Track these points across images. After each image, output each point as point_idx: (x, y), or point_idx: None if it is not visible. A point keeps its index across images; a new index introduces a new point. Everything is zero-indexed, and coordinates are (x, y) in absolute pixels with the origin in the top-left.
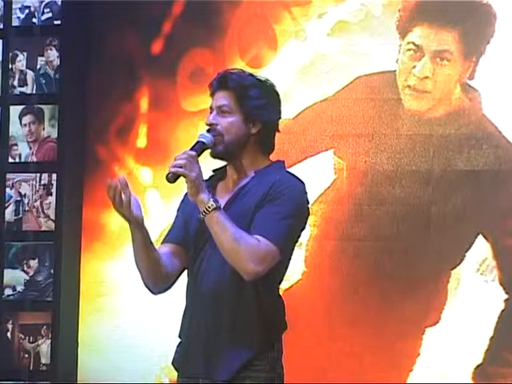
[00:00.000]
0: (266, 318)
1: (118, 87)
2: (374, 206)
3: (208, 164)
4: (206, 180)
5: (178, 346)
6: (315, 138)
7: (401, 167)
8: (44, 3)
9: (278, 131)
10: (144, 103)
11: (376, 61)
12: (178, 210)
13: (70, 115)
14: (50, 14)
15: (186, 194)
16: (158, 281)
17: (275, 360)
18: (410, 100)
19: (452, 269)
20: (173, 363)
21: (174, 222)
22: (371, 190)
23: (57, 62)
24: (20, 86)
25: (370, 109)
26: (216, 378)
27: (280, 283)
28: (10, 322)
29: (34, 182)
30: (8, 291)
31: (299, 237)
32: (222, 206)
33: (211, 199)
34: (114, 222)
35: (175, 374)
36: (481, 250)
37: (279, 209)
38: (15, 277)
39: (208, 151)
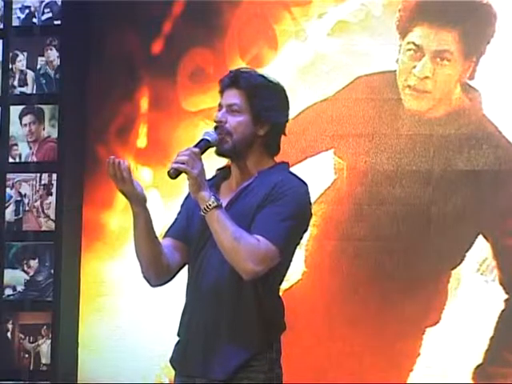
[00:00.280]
0: (265, 318)
1: (118, 87)
2: (374, 205)
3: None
4: (210, 179)
5: (176, 345)
6: (315, 138)
7: (401, 167)
8: (44, 3)
9: (285, 134)
10: (144, 103)
11: (376, 61)
12: (181, 206)
13: (70, 115)
14: (50, 14)
15: None
16: (158, 272)
17: (274, 360)
18: (410, 100)
19: (452, 269)
20: (171, 361)
21: (177, 217)
22: (371, 190)
23: (57, 62)
24: (20, 86)
25: (370, 109)
26: (213, 378)
27: (280, 284)
28: (10, 321)
29: (34, 182)
30: (8, 291)
31: (301, 238)
32: (224, 205)
33: (212, 197)
34: (114, 222)
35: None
36: (481, 250)
37: (280, 209)
38: (15, 277)
39: (213, 149)
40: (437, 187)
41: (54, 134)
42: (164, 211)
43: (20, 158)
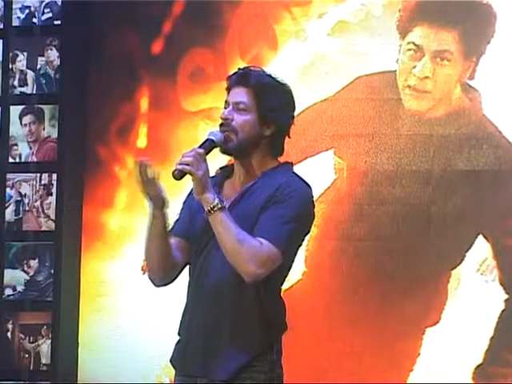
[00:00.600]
0: (266, 319)
1: (118, 87)
2: (374, 205)
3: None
4: (213, 177)
5: (176, 344)
6: (315, 138)
7: (401, 167)
8: (44, 3)
9: (289, 136)
10: (144, 103)
11: (376, 61)
12: (183, 203)
13: (70, 115)
14: (50, 14)
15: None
16: (166, 271)
17: (274, 361)
18: (411, 100)
19: (452, 269)
20: (171, 361)
21: (180, 216)
22: (371, 189)
23: (57, 62)
24: (20, 86)
25: (370, 109)
26: (214, 378)
27: (282, 284)
28: (11, 321)
29: (35, 182)
30: (8, 291)
31: (303, 240)
32: (227, 206)
33: (216, 199)
34: (114, 221)
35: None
36: (481, 250)
37: (284, 212)
38: (15, 277)
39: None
40: (437, 187)
41: (54, 134)
42: None
43: (20, 158)
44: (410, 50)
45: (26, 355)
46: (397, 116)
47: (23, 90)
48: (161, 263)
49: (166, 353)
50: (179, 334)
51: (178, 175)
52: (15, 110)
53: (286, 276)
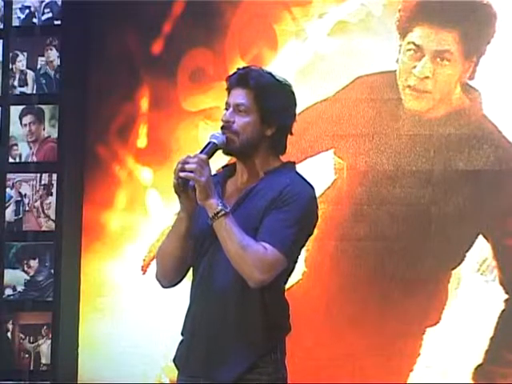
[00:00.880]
0: (270, 320)
1: (118, 87)
2: (374, 205)
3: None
4: (215, 175)
5: (179, 344)
6: (315, 138)
7: (401, 167)
8: (44, 3)
9: (291, 134)
10: (144, 103)
11: (376, 61)
12: None
13: (70, 115)
14: (50, 14)
15: None
16: (177, 274)
17: (278, 362)
18: (411, 100)
19: (452, 269)
20: (174, 360)
21: None
22: (371, 190)
23: (57, 62)
24: (20, 86)
25: (370, 109)
26: (218, 380)
27: (285, 284)
28: (11, 322)
29: (35, 182)
30: (8, 291)
31: (306, 241)
32: (230, 208)
33: (220, 204)
34: (114, 222)
35: (175, 373)
36: (481, 250)
37: (287, 216)
38: (15, 277)
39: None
40: (437, 187)
41: (54, 134)
42: (164, 211)
43: (20, 158)
44: (410, 50)
45: (26, 355)
46: (397, 116)
47: (23, 90)
48: (176, 265)
49: (166, 353)
50: (182, 334)
51: (182, 183)
52: (15, 110)
53: (289, 276)
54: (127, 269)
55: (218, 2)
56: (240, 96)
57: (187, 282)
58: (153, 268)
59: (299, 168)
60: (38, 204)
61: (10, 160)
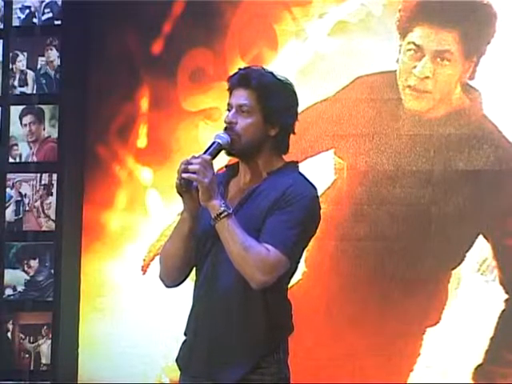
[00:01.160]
0: (273, 321)
1: (118, 87)
2: (374, 205)
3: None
4: (218, 174)
5: (182, 344)
6: (316, 138)
7: (401, 167)
8: (44, 3)
9: (294, 133)
10: (144, 103)
11: (376, 61)
12: None
13: (70, 115)
14: (50, 14)
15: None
16: (182, 273)
17: (281, 362)
18: (411, 100)
19: (452, 269)
20: (176, 360)
21: None
22: (371, 190)
23: (57, 62)
24: (20, 86)
25: (370, 109)
26: (221, 380)
27: (288, 285)
28: (11, 322)
29: (35, 182)
30: (8, 291)
31: (309, 242)
32: (233, 208)
33: (223, 206)
34: (114, 221)
35: (176, 373)
36: (481, 250)
37: (290, 217)
38: (16, 277)
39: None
40: (437, 187)
41: (54, 134)
42: (164, 211)
43: (20, 158)
44: (410, 50)
45: (27, 355)
46: (397, 116)
47: (23, 90)
48: (179, 265)
49: (166, 353)
50: (185, 334)
51: (184, 184)
52: (15, 110)
53: (291, 277)
54: (127, 269)
55: (218, 2)
56: (242, 97)
57: (188, 281)
58: (153, 268)
59: (299, 168)
60: (38, 204)
61: (10, 160)
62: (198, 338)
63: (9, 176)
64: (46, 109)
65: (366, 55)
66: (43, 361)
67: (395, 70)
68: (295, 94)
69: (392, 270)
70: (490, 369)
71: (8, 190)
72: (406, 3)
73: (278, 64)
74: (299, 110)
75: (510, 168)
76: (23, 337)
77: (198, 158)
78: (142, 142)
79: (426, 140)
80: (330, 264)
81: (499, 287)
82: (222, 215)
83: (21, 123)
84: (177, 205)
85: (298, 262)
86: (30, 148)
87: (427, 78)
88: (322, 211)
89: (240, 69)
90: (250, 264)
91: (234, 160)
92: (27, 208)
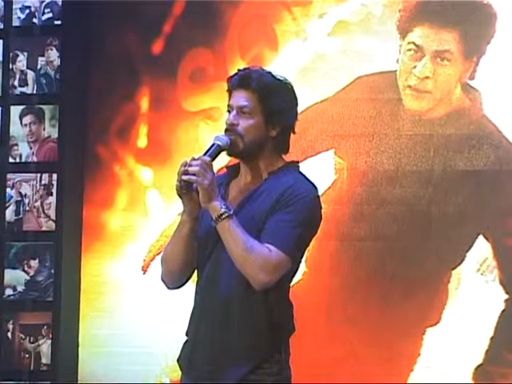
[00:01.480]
0: (274, 322)
1: (119, 87)
2: (374, 205)
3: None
4: (219, 176)
5: (184, 344)
6: (316, 138)
7: (401, 167)
8: (44, 3)
9: (294, 133)
10: (144, 103)
11: (376, 61)
12: None
13: (70, 115)
14: (50, 14)
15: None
16: (184, 274)
17: (282, 362)
18: (411, 100)
19: (452, 269)
20: (178, 360)
21: None
22: (371, 190)
23: (57, 62)
24: (20, 86)
25: (370, 109)
26: (222, 381)
27: (289, 284)
28: (11, 322)
29: (35, 182)
30: (8, 291)
31: (310, 241)
32: (234, 209)
33: (223, 207)
34: (114, 221)
35: (175, 373)
36: (481, 250)
37: (291, 217)
38: (16, 277)
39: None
40: (437, 187)
41: (55, 134)
42: (164, 211)
43: (20, 158)
44: (410, 50)
45: (27, 355)
46: (397, 116)
47: (23, 90)
48: (181, 268)
49: (166, 353)
50: (187, 334)
51: (184, 186)
52: (15, 110)
53: (293, 277)
54: (127, 269)
55: (218, 2)
56: (243, 98)
57: (188, 282)
58: (153, 268)
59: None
60: (38, 204)
61: (11, 160)
62: (199, 339)
63: (9, 176)
64: (46, 109)
65: (365, 55)
66: (43, 361)
67: (395, 70)
68: (295, 94)
69: (392, 270)
70: (489, 369)
71: (8, 190)
72: (405, 3)
73: (278, 64)
74: (299, 109)
75: (510, 168)
76: (23, 337)
77: (197, 159)
78: (142, 142)
79: (426, 140)
80: (330, 264)
81: (499, 287)
82: (223, 216)
83: (21, 123)
84: (177, 205)
85: (300, 262)
86: (30, 148)
87: (427, 77)
88: (322, 211)
89: (239, 70)
90: (252, 265)
91: (235, 161)
92: (27, 208)
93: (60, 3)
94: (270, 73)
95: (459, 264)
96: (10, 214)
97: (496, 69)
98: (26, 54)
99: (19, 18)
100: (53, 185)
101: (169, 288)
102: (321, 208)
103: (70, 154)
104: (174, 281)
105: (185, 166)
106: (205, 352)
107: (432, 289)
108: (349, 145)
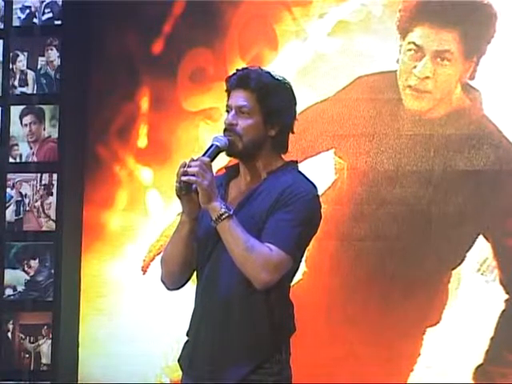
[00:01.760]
0: (275, 322)
1: (119, 87)
2: (374, 205)
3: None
4: (218, 176)
5: (185, 344)
6: (316, 138)
7: (401, 167)
8: (45, 3)
9: (293, 132)
10: (144, 103)
11: (377, 61)
12: None
13: (70, 115)
14: (50, 14)
15: None
16: (183, 275)
17: (283, 362)
18: (411, 100)
19: (453, 269)
20: (179, 360)
21: None
22: (371, 190)
23: (57, 62)
24: (21, 86)
25: (370, 109)
26: (223, 380)
27: (290, 283)
28: (11, 322)
29: (35, 182)
30: (9, 291)
31: (310, 240)
32: (233, 209)
33: (223, 207)
34: (114, 221)
35: (175, 373)
36: (481, 250)
37: (291, 216)
38: (16, 277)
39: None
40: (437, 187)
41: (55, 134)
42: (164, 211)
43: (20, 158)
44: (410, 50)
45: (27, 355)
46: (397, 116)
47: (23, 90)
48: (181, 268)
49: (165, 353)
50: (187, 334)
51: (184, 186)
52: (16, 110)
53: (293, 277)
54: (127, 269)
55: (218, 2)
56: (241, 98)
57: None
58: (153, 268)
59: (300, 168)
60: (38, 204)
61: (11, 160)
62: (200, 339)
63: (9, 176)
64: (46, 109)
65: (366, 55)
66: (43, 361)
67: (395, 70)
68: (293, 94)
69: (392, 270)
70: (489, 369)
71: (8, 190)
72: (406, 3)
73: (278, 64)
74: (299, 109)
75: (510, 168)
76: (23, 337)
77: (196, 160)
78: (142, 142)
79: (426, 140)
80: (330, 264)
81: (499, 287)
82: (223, 217)
83: (21, 123)
84: (177, 205)
85: (300, 262)
86: (30, 148)
87: (427, 77)
88: (322, 211)
89: (238, 70)
90: (253, 264)
91: (234, 161)
92: (27, 208)
93: (60, 3)
94: (268, 72)
95: (459, 264)
96: (10, 213)
97: (496, 69)
98: (26, 53)
99: (19, 17)
100: (53, 185)
101: (169, 289)
102: (320, 207)
103: (70, 153)
104: (174, 282)
105: (184, 167)
106: (205, 352)
107: (432, 289)
108: (349, 145)
